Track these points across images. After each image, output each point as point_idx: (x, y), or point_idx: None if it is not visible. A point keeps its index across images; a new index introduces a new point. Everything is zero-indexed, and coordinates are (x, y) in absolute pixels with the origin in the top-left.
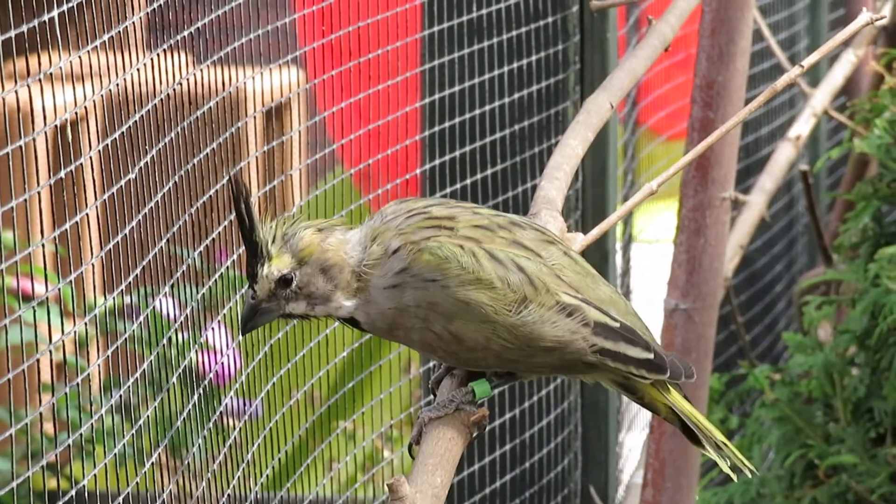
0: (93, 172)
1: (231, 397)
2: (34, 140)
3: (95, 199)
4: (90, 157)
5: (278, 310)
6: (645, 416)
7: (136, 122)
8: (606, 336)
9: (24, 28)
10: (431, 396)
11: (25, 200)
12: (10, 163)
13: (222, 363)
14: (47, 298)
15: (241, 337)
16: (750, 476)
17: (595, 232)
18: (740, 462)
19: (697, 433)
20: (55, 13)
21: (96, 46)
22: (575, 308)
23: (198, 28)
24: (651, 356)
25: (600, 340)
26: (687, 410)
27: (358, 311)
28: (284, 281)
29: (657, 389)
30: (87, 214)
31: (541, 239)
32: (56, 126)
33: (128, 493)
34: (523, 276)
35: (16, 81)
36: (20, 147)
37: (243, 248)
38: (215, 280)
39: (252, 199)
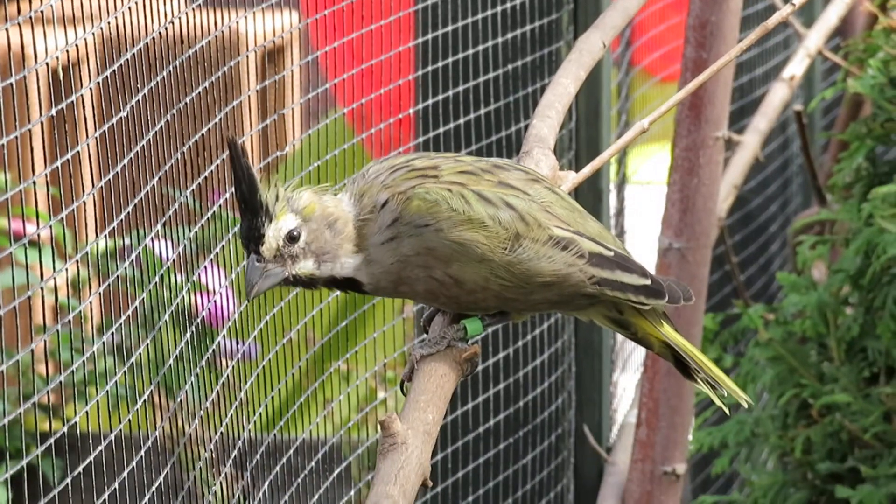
0: (85, 113)
1: (224, 337)
2: (26, 79)
3: (88, 138)
4: (84, 98)
5: (284, 272)
6: (639, 356)
7: (129, 61)
8: (603, 266)
9: None
10: (424, 334)
11: (22, 141)
12: (4, 105)
13: (215, 303)
14: (40, 238)
15: (246, 301)
16: (746, 408)
17: (587, 170)
18: (736, 394)
19: (691, 366)
20: None
21: None
22: (569, 241)
23: None
24: (648, 281)
25: (597, 271)
26: (681, 343)
27: (361, 271)
28: (292, 237)
29: (650, 323)
30: (81, 154)
31: (526, 178)
32: (50, 67)
33: (120, 431)
34: (514, 213)
35: (7, 21)
36: (15, 88)
37: (238, 210)
38: (207, 219)
39: (252, 162)
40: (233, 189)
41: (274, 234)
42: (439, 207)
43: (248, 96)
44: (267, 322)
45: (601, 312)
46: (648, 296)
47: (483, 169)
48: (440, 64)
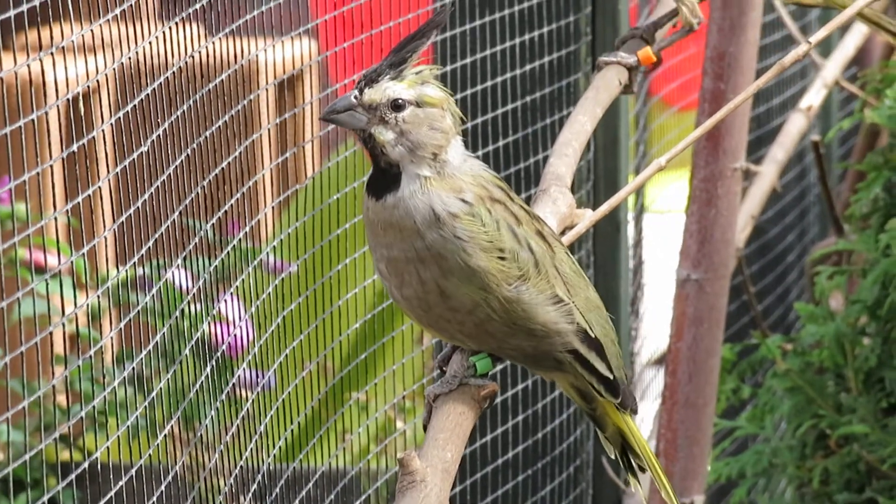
0: (105, 146)
1: (244, 369)
2: (47, 113)
3: (108, 171)
4: (103, 130)
5: (367, 123)
6: (657, 386)
7: (148, 94)
8: (583, 341)
9: (37, 2)
10: (438, 372)
11: (38, 173)
12: (24, 135)
13: (235, 334)
14: (60, 271)
15: (315, 125)
16: (761, 446)
17: (604, 208)
18: (671, 501)
19: (638, 462)
20: None
21: (108, 18)
22: (566, 308)
23: (210, 1)
24: (611, 377)
25: (577, 343)
26: (636, 437)
27: (413, 182)
28: (397, 105)
29: (615, 408)
30: (100, 187)
31: (553, 235)
32: (69, 98)
33: (141, 464)
34: (531, 257)
35: (28, 53)
36: (33, 120)
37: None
38: (228, 252)
39: (426, 43)
40: (403, 39)
41: (386, 90)
42: (475, 224)
43: (268, 130)
44: (286, 355)
45: (568, 380)
46: (606, 389)
47: (533, 215)
48: (458, 96)
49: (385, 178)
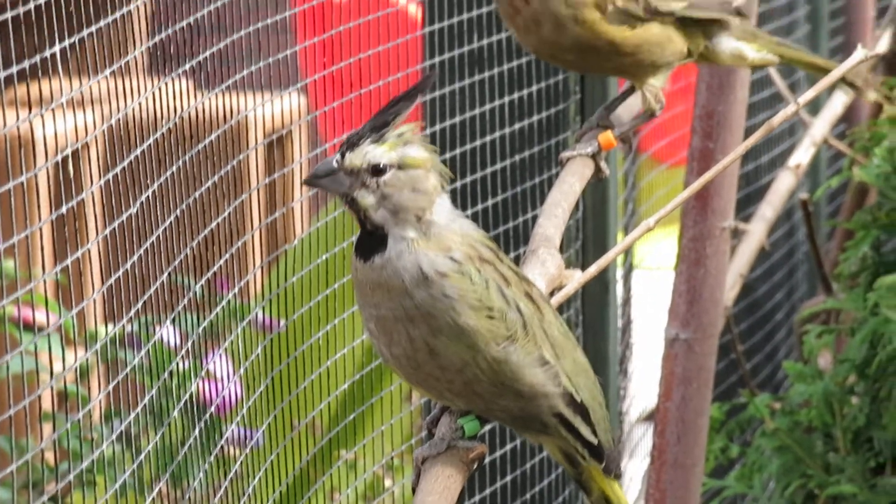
0: (94, 205)
1: (233, 428)
2: (35, 167)
3: (98, 230)
4: (92, 192)
5: (348, 188)
6: (646, 445)
7: (137, 154)
8: (568, 404)
9: (27, 63)
10: (427, 434)
11: (27, 234)
12: (13, 193)
13: (225, 393)
14: (48, 327)
15: (302, 186)
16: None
17: (593, 269)
18: None
19: None
20: (57, 48)
21: (99, 71)
22: (553, 371)
23: (200, 61)
24: (595, 442)
25: (563, 407)
26: (622, 501)
27: (398, 243)
28: (378, 169)
29: (601, 472)
30: (89, 248)
31: (542, 297)
32: (57, 161)
33: None
34: (519, 318)
35: (17, 108)
36: (22, 183)
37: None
38: (218, 310)
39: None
40: (389, 102)
41: (366, 154)
42: (464, 282)
43: (257, 190)
44: (275, 414)
45: (555, 443)
46: (590, 454)
47: (522, 276)
48: (447, 155)
49: (372, 239)
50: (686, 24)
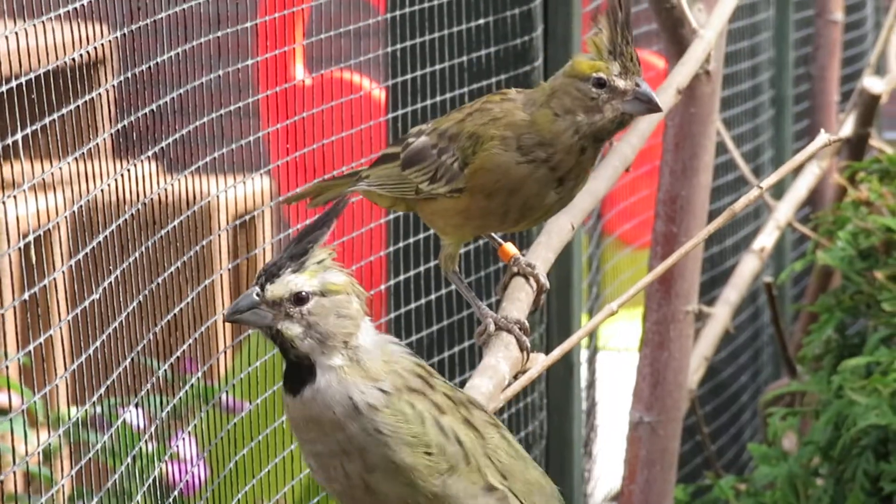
0: (57, 290)
1: None
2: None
3: (64, 313)
4: (55, 279)
5: (272, 321)
6: None
7: (101, 240)
8: None
9: None
10: None
11: None
12: None
13: (189, 475)
14: (11, 409)
15: (224, 322)
16: None
17: (556, 353)
18: None
19: None
20: (27, 131)
21: (64, 153)
22: (501, 495)
23: (167, 143)
24: None
25: None
26: None
27: (325, 374)
28: (300, 298)
29: None
30: (54, 331)
31: (487, 421)
32: (21, 245)
33: None
34: (459, 449)
35: None
36: None
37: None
38: (183, 392)
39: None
40: (303, 229)
41: (287, 285)
42: (398, 418)
43: (221, 275)
44: (239, 499)
45: None
46: None
47: (459, 400)
48: (411, 240)
49: (300, 371)
50: None
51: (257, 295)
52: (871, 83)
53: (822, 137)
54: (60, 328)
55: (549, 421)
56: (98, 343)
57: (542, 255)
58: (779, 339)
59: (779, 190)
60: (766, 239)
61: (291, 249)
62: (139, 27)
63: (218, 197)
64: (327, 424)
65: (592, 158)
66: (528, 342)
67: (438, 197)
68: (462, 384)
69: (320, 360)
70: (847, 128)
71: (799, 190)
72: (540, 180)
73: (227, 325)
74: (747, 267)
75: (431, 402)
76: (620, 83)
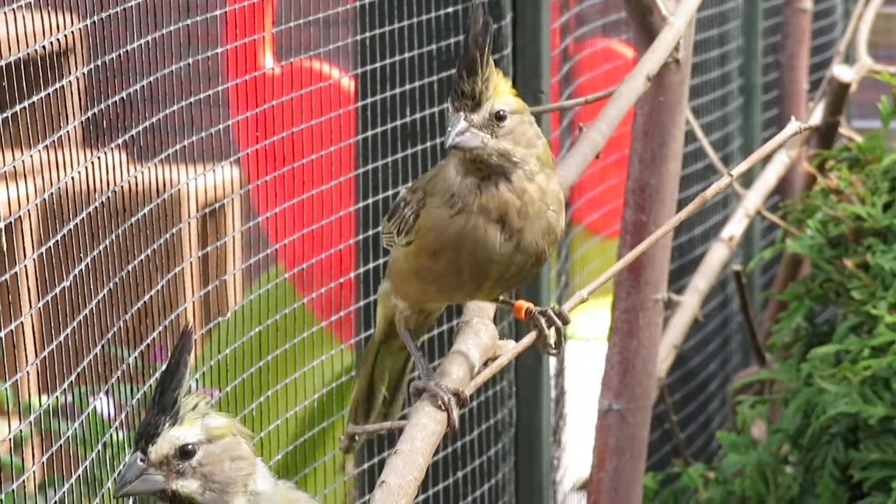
0: (27, 279)
1: None
2: None
3: (32, 302)
4: (25, 266)
5: (165, 483)
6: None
7: (71, 228)
8: None
9: None
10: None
11: None
12: None
13: None
14: None
15: (103, 487)
16: None
17: (526, 340)
18: None
19: None
20: None
21: (33, 144)
22: None
23: (134, 134)
24: None
25: None
26: None
27: None
28: (186, 451)
29: None
30: (23, 321)
31: None
32: None
33: None
34: None
35: None
36: None
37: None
38: (153, 380)
39: (189, 363)
40: (158, 376)
41: (170, 440)
42: None
43: (191, 263)
44: None
45: None
46: None
47: None
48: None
49: None
50: None
51: (141, 460)
52: (841, 71)
53: (793, 125)
54: (31, 316)
55: (519, 409)
56: (67, 331)
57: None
58: (748, 327)
59: (748, 179)
60: (735, 227)
61: (160, 404)
62: (108, 15)
63: (187, 185)
64: None
65: (519, 189)
66: (456, 418)
67: (399, 253)
68: (434, 370)
69: None
70: (816, 116)
71: (768, 178)
72: (478, 229)
73: (196, 313)
74: (716, 255)
75: None
76: (453, 119)
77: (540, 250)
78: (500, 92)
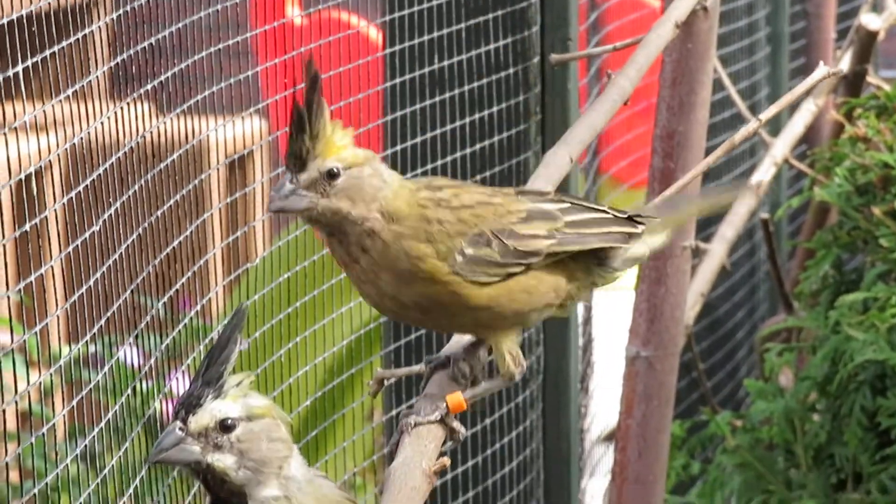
0: (57, 224)
1: None
2: None
3: (60, 250)
4: (55, 210)
5: (201, 454)
6: (607, 462)
7: (99, 174)
8: None
9: None
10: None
11: None
12: None
13: None
14: (12, 348)
15: (146, 465)
16: None
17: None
18: None
19: None
20: (20, 68)
21: (60, 98)
22: None
23: (162, 81)
24: None
25: None
26: None
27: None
28: (227, 426)
29: None
30: (51, 266)
31: None
32: (21, 179)
33: None
34: None
35: None
36: None
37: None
38: (179, 329)
39: (240, 344)
40: (210, 350)
41: (211, 413)
42: None
43: (219, 209)
44: None
45: None
46: None
47: None
48: (409, 175)
49: (238, 497)
50: (561, 261)
51: (180, 429)
52: (869, 20)
53: (822, 70)
54: (60, 261)
55: (546, 356)
56: (93, 280)
57: (540, 187)
58: (775, 275)
59: (775, 127)
60: (763, 175)
61: (206, 374)
62: None
63: (214, 132)
64: None
65: (358, 248)
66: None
67: None
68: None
69: (255, 492)
70: (844, 65)
71: (796, 126)
72: (351, 272)
73: (223, 261)
74: (744, 203)
75: None
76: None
77: (418, 299)
78: (333, 148)
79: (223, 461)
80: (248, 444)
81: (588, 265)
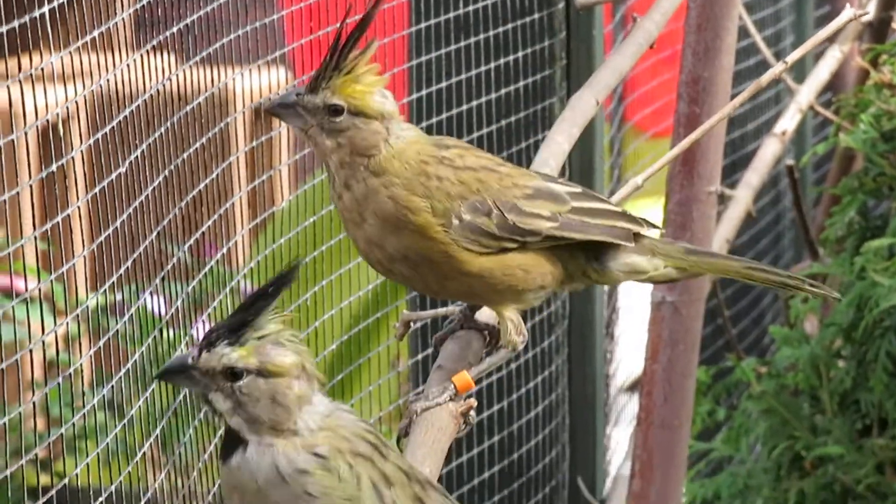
0: (84, 167)
1: None
2: (24, 138)
3: (84, 195)
4: (79, 154)
5: (203, 388)
6: (632, 409)
7: (123, 119)
8: None
9: (5, 29)
10: (421, 388)
11: (14, 198)
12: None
13: None
14: (40, 295)
15: (152, 383)
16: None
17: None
18: None
19: None
20: (45, 9)
21: (83, 45)
22: None
23: (184, 26)
24: None
25: None
26: None
27: (258, 445)
28: (233, 374)
29: None
30: (77, 209)
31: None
32: (46, 123)
33: (117, 487)
34: None
35: (7, 80)
36: (10, 144)
37: (228, 307)
38: (203, 275)
39: (285, 287)
40: (249, 296)
41: (218, 357)
42: (330, 479)
43: (244, 153)
44: None
45: None
46: None
47: (415, 478)
48: (433, 120)
49: (235, 438)
50: (560, 246)
51: (192, 359)
52: None
53: (848, 12)
54: (86, 204)
55: (572, 301)
56: (118, 223)
57: (566, 130)
58: (800, 222)
59: (800, 74)
60: (788, 122)
61: (232, 319)
62: None
63: (237, 80)
64: (250, 494)
65: (340, 190)
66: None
67: None
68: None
69: (251, 437)
70: (870, 11)
71: (821, 73)
72: (338, 206)
73: (248, 206)
74: (769, 150)
75: (378, 471)
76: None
77: (406, 252)
78: (351, 88)
79: (220, 404)
80: (247, 398)
81: (586, 258)
